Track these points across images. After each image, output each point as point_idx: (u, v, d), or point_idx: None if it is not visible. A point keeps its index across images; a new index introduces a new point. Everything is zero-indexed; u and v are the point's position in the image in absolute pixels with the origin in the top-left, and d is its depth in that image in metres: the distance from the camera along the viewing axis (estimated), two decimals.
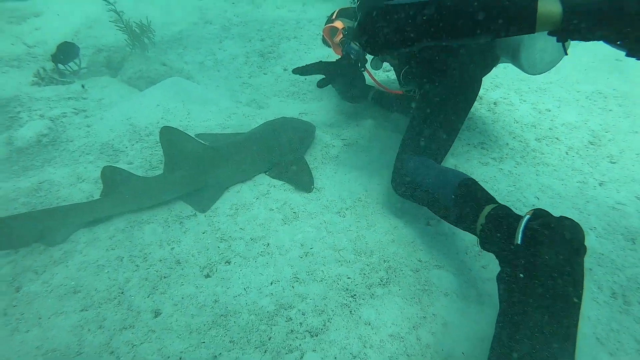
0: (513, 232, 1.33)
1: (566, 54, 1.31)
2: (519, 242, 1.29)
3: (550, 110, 3.25)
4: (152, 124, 2.54)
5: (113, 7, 3.56)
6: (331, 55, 3.40)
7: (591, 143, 2.88)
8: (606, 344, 1.51)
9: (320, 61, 2.62)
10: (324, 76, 2.56)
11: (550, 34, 1.25)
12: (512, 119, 3.11)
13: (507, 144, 2.83)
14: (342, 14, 3.02)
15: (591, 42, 1.21)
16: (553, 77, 3.72)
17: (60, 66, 3.62)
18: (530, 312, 1.20)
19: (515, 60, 2.13)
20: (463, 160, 2.59)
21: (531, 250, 1.25)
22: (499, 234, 1.39)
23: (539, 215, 1.32)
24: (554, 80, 3.66)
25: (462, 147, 2.75)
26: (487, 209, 1.48)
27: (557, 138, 2.92)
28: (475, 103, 3.34)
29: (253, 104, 3.46)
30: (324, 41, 3.07)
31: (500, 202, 1.54)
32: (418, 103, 2.19)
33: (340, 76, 2.58)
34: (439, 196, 1.68)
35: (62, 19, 5.07)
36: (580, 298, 1.21)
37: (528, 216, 1.33)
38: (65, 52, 3.56)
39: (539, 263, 1.22)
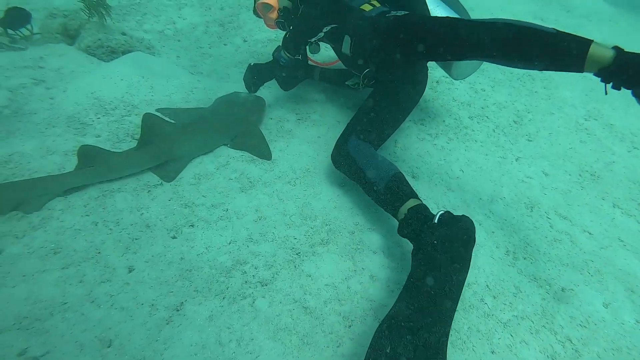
0: (428, 219, 1.73)
1: (606, 94, 1.63)
2: (435, 222, 1.68)
3: (484, 90, 3.61)
4: (117, 98, 2.67)
5: None
6: None
7: (515, 122, 3.28)
8: (492, 289, 1.94)
9: (253, 65, 2.88)
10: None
11: (597, 74, 1.56)
12: (450, 97, 3.44)
13: (444, 121, 3.17)
14: None
15: None
16: None
17: (10, 31, 3.56)
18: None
19: (448, 71, 2.71)
20: (403, 136, 2.91)
21: (444, 227, 1.65)
22: (417, 222, 1.76)
23: (446, 213, 1.73)
24: None
25: (404, 123, 3.04)
26: (411, 202, 1.86)
27: (487, 117, 3.29)
28: None
29: (214, 75, 3.60)
30: (255, 12, 2.84)
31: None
32: (373, 95, 2.47)
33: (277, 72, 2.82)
34: (372, 179, 2.02)
35: None
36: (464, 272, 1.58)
37: (441, 211, 1.74)
38: (15, 16, 3.49)
39: (451, 233, 1.61)
